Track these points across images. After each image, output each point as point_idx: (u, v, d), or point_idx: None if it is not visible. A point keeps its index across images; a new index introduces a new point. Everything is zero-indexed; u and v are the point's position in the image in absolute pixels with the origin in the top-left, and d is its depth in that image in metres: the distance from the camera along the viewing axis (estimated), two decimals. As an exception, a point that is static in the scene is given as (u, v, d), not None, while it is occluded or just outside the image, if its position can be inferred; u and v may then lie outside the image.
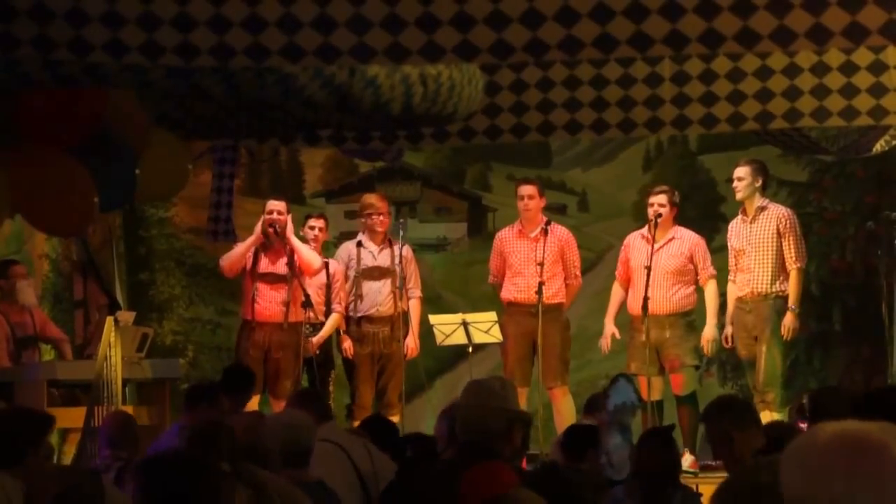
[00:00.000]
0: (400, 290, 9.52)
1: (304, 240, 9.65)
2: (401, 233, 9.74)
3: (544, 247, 9.35)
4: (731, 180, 9.35)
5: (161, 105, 7.35)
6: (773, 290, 8.95)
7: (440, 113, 6.66)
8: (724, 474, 5.84)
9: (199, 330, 12.85)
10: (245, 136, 8.26)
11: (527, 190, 9.55)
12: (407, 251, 9.73)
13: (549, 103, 7.83)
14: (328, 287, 9.56)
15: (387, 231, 9.72)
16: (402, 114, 6.50)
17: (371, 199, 9.81)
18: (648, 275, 8.99)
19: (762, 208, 9.04)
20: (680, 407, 9.11)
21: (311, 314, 9.29)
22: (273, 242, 9.41)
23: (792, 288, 8.95)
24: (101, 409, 7.73)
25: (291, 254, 9.39)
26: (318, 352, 9.38)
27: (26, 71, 5.83)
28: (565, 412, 9.30)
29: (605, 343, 9.43)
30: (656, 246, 9.17)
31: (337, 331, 9.66)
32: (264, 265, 9.42)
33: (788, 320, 8.89)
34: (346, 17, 5.26)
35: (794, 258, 8.96)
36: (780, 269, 8.98)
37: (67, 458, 7.91)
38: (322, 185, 13.58)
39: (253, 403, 8.26)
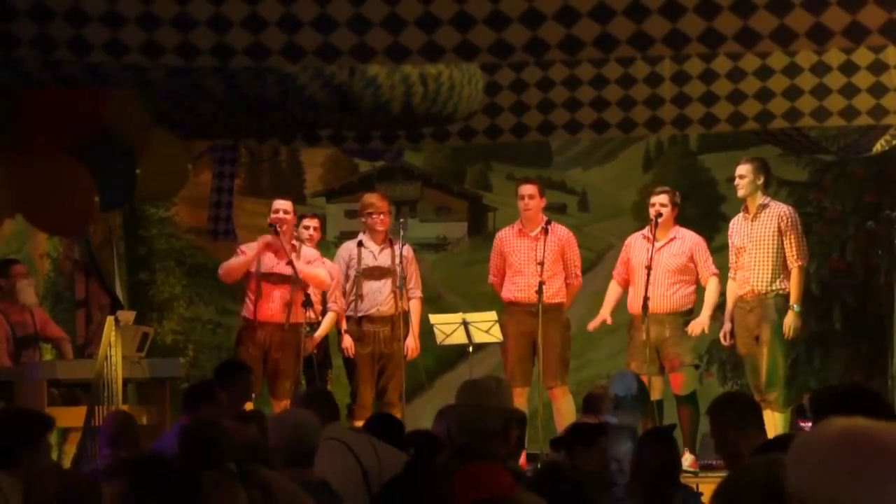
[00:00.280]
0: (400, 290, 9.53)
1: (299, 240, 9.66)
2: (401, 232, 9.75)
3: (544, 246, 9.35)
4: (731, 179, 9.35)
5: (161, 105, 7.35)
6: (774, 288, 8.95)
7: (440, 112, 6.66)
8: (725, 473, 5.86)
9: (200, 329, 12.85)
10: (245, 136, 8.26)
11: (527, 189, 9.55)
12: (408, 251, 9.73)
13: (549, 103, 7.83)
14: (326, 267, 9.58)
15: (387, 231, 9.72)
16: (403, 113, 6.49)
17: (371, 198, 9.81)
18: (649, 274, 9.00)
19: (764, 206, 9.04)
20: (680, 407, 9.11)
21: (311, 313, 9.30)
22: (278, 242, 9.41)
23: (793, 286, 8.94)
24: (102, 408, 7.73)
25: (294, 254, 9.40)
26: (316, 350, 9.38)
27: (26, 70, 5.83)
28: (565, 412, 9.30)
29: (595, 324, 9.44)
30: (657, 245, 9.17)
31: (337, 330, 9.67)
32: (268, 265, 9.42)
33: (790, 319, 8.89)
34: (347, 16, 5.26)
35: (795, 256, 8.96)
36: (781, 268, 8.98)
37: (68, 458, 7.91)
38: (322, 185, 13.58)
39: (249, 404, 8.25)
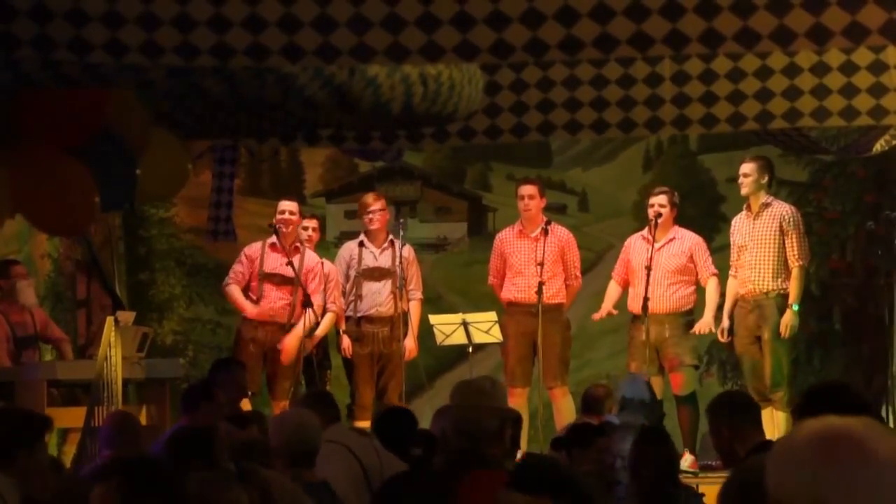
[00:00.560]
0: (400, 291, 9.52)
1: (301, 242, 9.67)
2: (401, 233, 9.75)
3: (544, 247, 9.36)
4: (732, 180, 9.36)
5: (161, 105, 7.35)
6: (775, 287, 8.95)
7: (440, 113, 6.66)
8: (724, 474, 5.85)
9: (200, 330, 12.84)
10: (245, 136, 8.25)
11: (527, 190, 9.56)
12: (408, 252, 9.73)
13: (549, 103, 7.83)
14: (323, 287, 9.56)
15: (387, 230, 9.71)
16: (402, 113, 6.50)
17: (366, 198, 9.82)
18: (648, 274, 9.00)
19: (766, 205, 9.03)
20: (680, 407, 9.11)
21: (310, 314, 9.29)
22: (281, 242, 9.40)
23: (793, 286, 8.94)
24: (102, 409, 7.72)
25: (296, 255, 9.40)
26: (314, 351, 9.38)
27: (26, 71, 5.83)
28: (565, 412, 9.31)
29: (600, 315, 9.42)
30: (656, 246, 9.18)
31: (336, 330, 9.67)
32: (271, 265, 9.41)
33: (788, 318, 8.89)
34: (347, 16, 5.26)
35: (796, 256, 8.96)
36: (783, 267, 8.98)
37: (67, 459, 7.90)
38: (322, 185, 13.58)
39: (245, 404, 8.24)
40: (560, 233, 9.63)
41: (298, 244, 9.50)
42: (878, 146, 8.57)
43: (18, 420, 4.46)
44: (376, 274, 9.59)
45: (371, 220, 9.61)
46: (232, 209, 9.10)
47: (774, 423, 8.68)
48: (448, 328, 9.76)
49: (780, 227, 8.98)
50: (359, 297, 9.56)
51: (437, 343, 9.87)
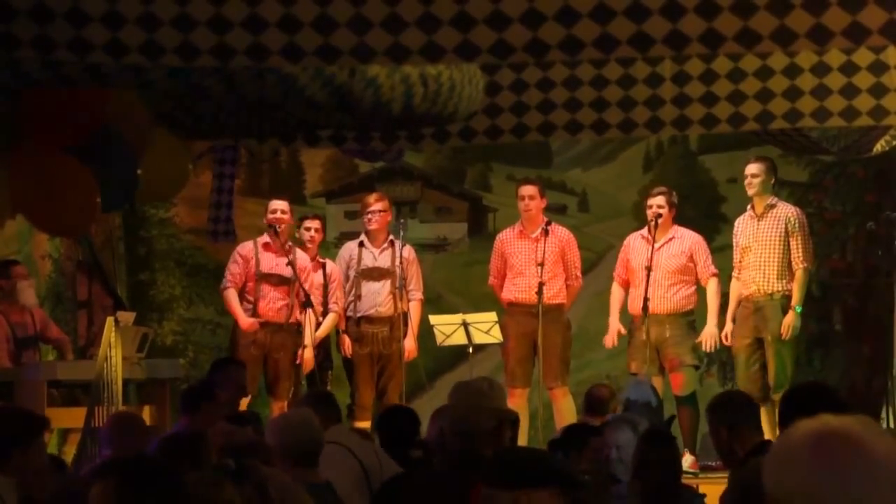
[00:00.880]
0: (400, 291, 9.52)
1: (300, 241, 9.67)
2: (401, 233, 9.75)
3: (545, 247, 9.36)
4: (732, 180, 9.35)
5: (161, 105, 7.35)
6: (780, 289, 8.94)
7: (440, 113, 6.66)
8: (724, 474, 5.85)
9: (200, 330, 12.84)
10: (245, 136, 8.26)
11: (528, 190, 9.56)
12: (409, 252, 9.73)
13: (549, 103, 7.83)
14: (325, 287, 9.56)
15: (387, 231, 9.71)
16: (403, 114, 6.50)
17: (367, 198, 9.82)
18: (648, 275, 8.99)
19: (771, 206, 9.03)
20: (680, 407, 9.10)
21: (311, 314, 9.29)
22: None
23: (796, 288, 8.94)
24: (102, 409, 7.72)
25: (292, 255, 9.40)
26: (315, 352, 9.38)
27: (27, 71, 5.83)
28: (566, 412, 9.31)
29: (611, 339, 9.42)
30: (656, 246, 9.17)
31: (336, 330, 9.67)
32: (268, 266, 9.40)
33: (790, 319, 8.89)
34: (347, 17, 5.26)
35: (801, 258, 8.95)
36: (787, 268, 8.97)
37: (67, 459, 7.89)
38: (322, 186, 13.58)
39: (241, 404, 8.24)
40: (560, 233, 9.63)
41: (290, 244, 9.49)
42: (879, 146, 8.57)
43: (13, 419, 4.45)
44: (376, 274, 9.59)
45: (370, 220, 9.61)
46: (232, 210, 9.10)
47: (771, 423, 8.69)
48: (448, 328, 9.76)
49: (786, 228, 8.97)
50: (358, 297, 9.57)
51: (438, 343, 9.87)
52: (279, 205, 9.50)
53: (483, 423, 4.47)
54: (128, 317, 8.59)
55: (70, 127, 6.86)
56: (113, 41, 5.27)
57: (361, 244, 9.66)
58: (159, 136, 7.45)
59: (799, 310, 8.94)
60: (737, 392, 7.10)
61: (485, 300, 10.62)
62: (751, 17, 5.19)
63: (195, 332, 12.84)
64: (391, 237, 9.72)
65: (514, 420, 4.84)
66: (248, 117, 7.56)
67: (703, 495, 5.92)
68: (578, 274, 9.66)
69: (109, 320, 8.08)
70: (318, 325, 9.46)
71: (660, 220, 9.13)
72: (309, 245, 9.66)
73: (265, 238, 9.45)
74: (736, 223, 9.31)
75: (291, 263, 9.28)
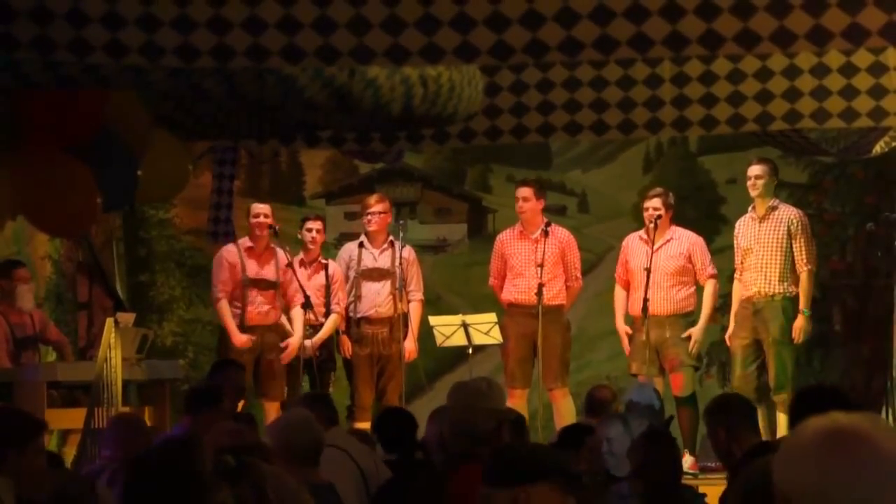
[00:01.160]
0: (399, 292, 9.52)
1: (301, 242, 9.67)
2: (401, 234, 9.75)
3: (545, 248, 9.36)
4: (732, 181, 9.35)
5: (161, 106, 7.35)
6: (781, 290, 8.95)
7: (440, 114, 6.66)
8: (724, 475, 5.86)
9: (200, 331, 12.84)
10: (245, 137, 8.26)
11: (521, 192, 9.56)
12: (409, 253, 9.73)
13: (548, 104, 7.83)
14: (327, 288, 9.56)
15: (387, 232, 9.72)
16: (402, 115, 6.49)
17: (368, 199, 9.83)
18: (648, 276, 9.00)
19: (773, 208, 9.02)
20: (679, 408, 9.11)
21: (311, 315, 9.29)
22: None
23: (803, 291, 8.94)
24: (102, 410, 7.72)
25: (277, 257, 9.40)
26: (317, 353, 9.38)
27: (26, 72, 5.83)
28: (565, 413, 9.31)
29: (626, 344, 9.41)
30: (654, 248, 9.17)
31: (337, 331, 9.67)
32: (254, 271, 9.37)
33: (800, 323, 8.89)
34: (347, 18, 5.26)
35: (804, 260, 8.95)
36: (790, 270, 8.97)
37: (67, 460, 7.90)
38: (322, 187, 13.58)
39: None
40: (560, 234, 9.63)
41: (272, 245, 9.47)
42: (878, 148, 8.57)
43: (8, 419, 4.46)
44: (375, 275, 9.59)
45: (369, 221, 9.62)
46: (232, 210, 9.10)
47: (782, 425, 8.70)
48: (448, 329, 9.76)
49: (789, 231, 8.96)
50: (358, 297, 9.58)
51: (437, 344, 9.87)
52: (262, 209, 9.46)
53: (482, 424, 4.47)
54: (128, 318, 8.60)
55: (70, 128, 6.86)
56: (113, 42, 5.27)
57: (361, 245, 9.67)
58: (159, 136, 7.45)
59: (807, 313, 8.95)
60: (734, 394, 7.14)
61: (484, 301, 10.62)
62: (750, 19, 5.19)
63: (195, 333, 12.84)
64: (391, 238, 9.72)
65: (515, 420, 4.84)
66: (247, 118, 7.56)
67: (704, 494, 5.93)
68: (578, 275, 9.66)
69: (109, 321, 8.08)
70: (320, 325, 9.46)
71: (659, 222, 9.14)
72: (311, 246, 9.66)
73: (248, 242, 9.43)
74: (737, 224, 9.30)
75: (291, 264, 9.29)
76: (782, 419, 8.78)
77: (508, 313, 9.61)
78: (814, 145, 8.64)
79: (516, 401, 9.04)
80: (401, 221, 10.24)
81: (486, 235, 12.76)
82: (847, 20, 5.13)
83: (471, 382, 4.95)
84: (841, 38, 5.18)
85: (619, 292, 9.50)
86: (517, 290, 9.50)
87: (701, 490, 6.56)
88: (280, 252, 9.50)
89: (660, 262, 9.16)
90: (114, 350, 7.97)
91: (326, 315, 9.54)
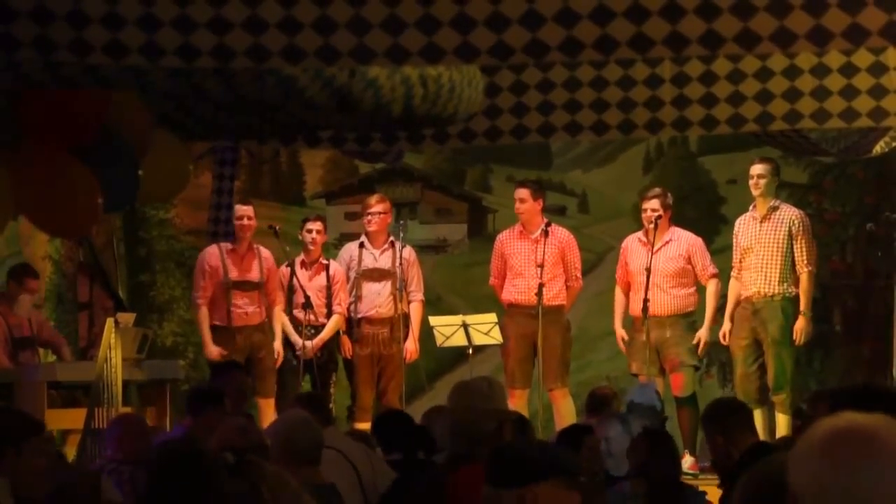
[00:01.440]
0: (400, 292, 9.52)
1: (302, 243, 9.66)
2: (401, 234, 9.75)
3: (545, 248, 9.35)
4: (732, 181, 9.35)
5: (161, 106, 7.35)
6: (781, 291, 8.93)
7: (440, 114, 6.67)
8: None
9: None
10: (245, 138, 8.27)
11: (519, 193, 9.54)
12: (409, 253, 9.72)
13: (549, 105, 7.84)
14: (328, 289, 9.56)
15: (388, 232, 9.72)
16: (403, 115, 6.50)
17: (371, 199, 9.81)
18: (648, 277, 8.99)
19: (774, 208, 9.00)
20: (680, 408, 9.11)
21: (312, 316, 9.29)
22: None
23: (803, 292, 8.91)
24: (102, 410, 7.72)
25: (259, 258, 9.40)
26: (318, 354, 9.38)
27: (27, 72, 5.84)
28: (565, 413, 9.31)
29: (622, 347, 9.43)
30: (654, 249, 9.16)
31: (337, 331, 9.67)
32: (236, 273, 9.31)
33: (801, 324, 8.87)
34: (347, 18, 5.26)
35: (805, 261, 8.92)
36: (790, 271, 8.95)
37: (67, 460, 7.90)
38: (322, 187, 13.59)
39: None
40: (560, 234, 9.62)
41: (256, 246, 9.44)
42: (878, 148, 8.58)
43: (5, 418, 4.46)
44: (376, 275, 9.59)
45: (369, 221, 9.61)
46: (232, 211, 9.09)
47: (780, 425, 8.70)
48: (448, 330, 9.75)
49: (790, 231, 8.93)
50: (359, 298, 9.57)
51: (437, 345, 9.87)
52: (245, 210, 9.38)
53: (483, 424, 4.47)
54: (128, 318, 8.59)
55: (71, 128, 6.87)
56: (113, 42, 5.27)
57: (362, 245, 9.66)
58: (160, 137, 7.45)
59: (808, 314, 8.94)
60: (726, 399, 7.18)
61: (485, 301, 10.62)
62: (750, 19, 5.19)
63: (195, 333, 12.79)
64: (391, 238, 9.72)
65: (516, 420, 4.83)
66: (248, 118, 7.57)
67: (704, 493, 5.94)
68: (578, 275, 9.65)
69: (109, 321, 8.08)
70: (321, 326, 9.46)
71: (658, 223, 9.13)
72: (311, 247, 9.64)
73: (228, 244, 9.37)
74: (737, 223, 9.27)
75: (294, 272, 9.29)
76: (782, 419, 8.78)
77: (508, 313, 9.60)
78: (814, 145, 8.64)
79: (516, 401, 9.04)
80: (401, 222, 10.24)
81: (486, 235, 12.77)
82: (847, 20, 5.13)
83: (471, 382, 4.94)
84: (841, 38, 5.18)
85: (618, 295, 9.49)
86: (517, 290, 9.50)
87: (701, 490, 6.57)
88: (264, 251, 9.45)
89: (659, 263, 9.15)
90: (114, 350, 7.96)
91: (328, 316, 9.53)
